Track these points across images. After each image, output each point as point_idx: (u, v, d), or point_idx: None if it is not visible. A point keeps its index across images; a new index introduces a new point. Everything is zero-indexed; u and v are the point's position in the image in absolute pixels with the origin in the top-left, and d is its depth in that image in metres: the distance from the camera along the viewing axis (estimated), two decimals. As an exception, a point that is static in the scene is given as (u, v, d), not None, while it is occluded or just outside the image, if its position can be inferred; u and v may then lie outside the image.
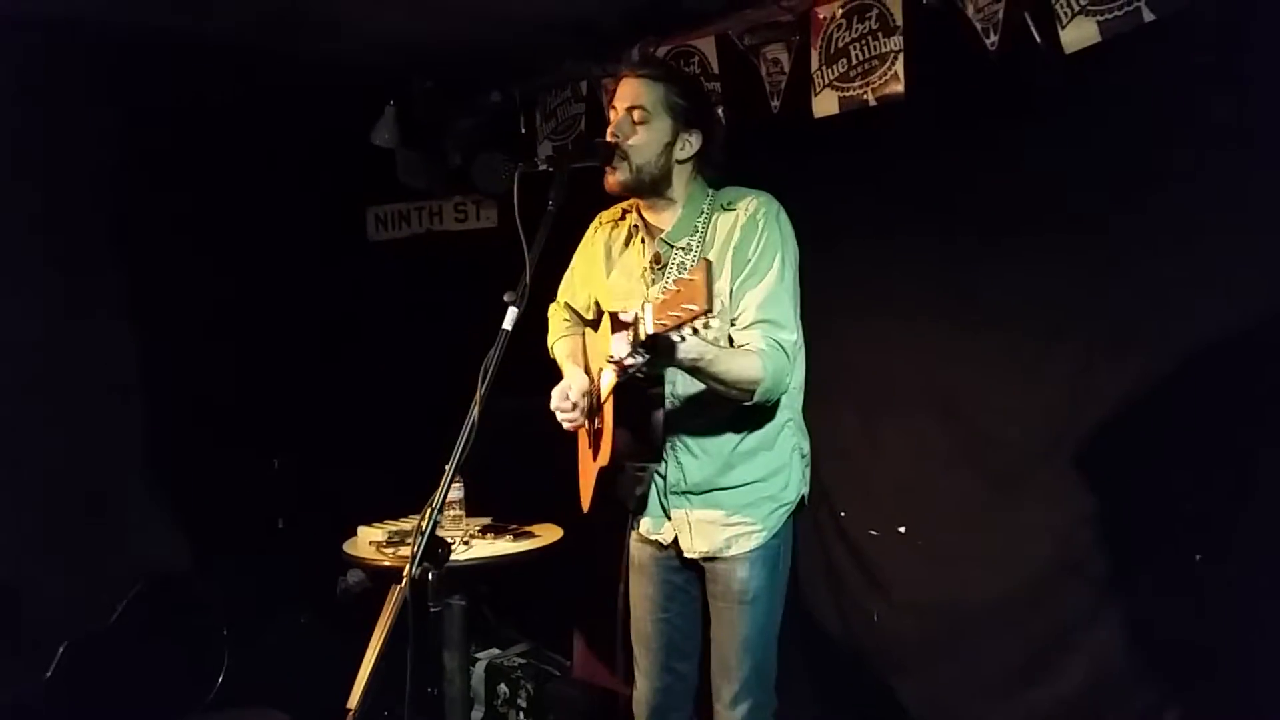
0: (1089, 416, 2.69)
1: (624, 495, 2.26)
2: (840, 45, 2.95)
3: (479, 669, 3.71)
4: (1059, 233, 2.72)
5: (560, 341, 2.52)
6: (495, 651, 3.81)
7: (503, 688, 3.66)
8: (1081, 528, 2.71)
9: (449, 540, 1.68)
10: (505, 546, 2.92)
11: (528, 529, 3.04)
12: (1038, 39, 2.54)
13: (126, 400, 3.67)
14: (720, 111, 3.26)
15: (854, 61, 2.92)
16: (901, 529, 3.12)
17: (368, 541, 2.98)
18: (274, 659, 3.52)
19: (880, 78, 2.86)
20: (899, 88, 2.82)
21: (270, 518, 3.93)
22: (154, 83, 3.59)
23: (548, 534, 3.01)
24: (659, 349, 1.78)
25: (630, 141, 2.15)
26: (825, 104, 2.99)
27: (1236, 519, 2.42)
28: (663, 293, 1.70)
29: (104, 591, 3.37)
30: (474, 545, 2.90)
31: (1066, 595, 2.73)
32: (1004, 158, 2.79)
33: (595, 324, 2.46)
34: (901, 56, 2.81)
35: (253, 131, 3.91)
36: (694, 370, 1.99)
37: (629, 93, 2.18)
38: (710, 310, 1.60)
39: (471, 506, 3.19)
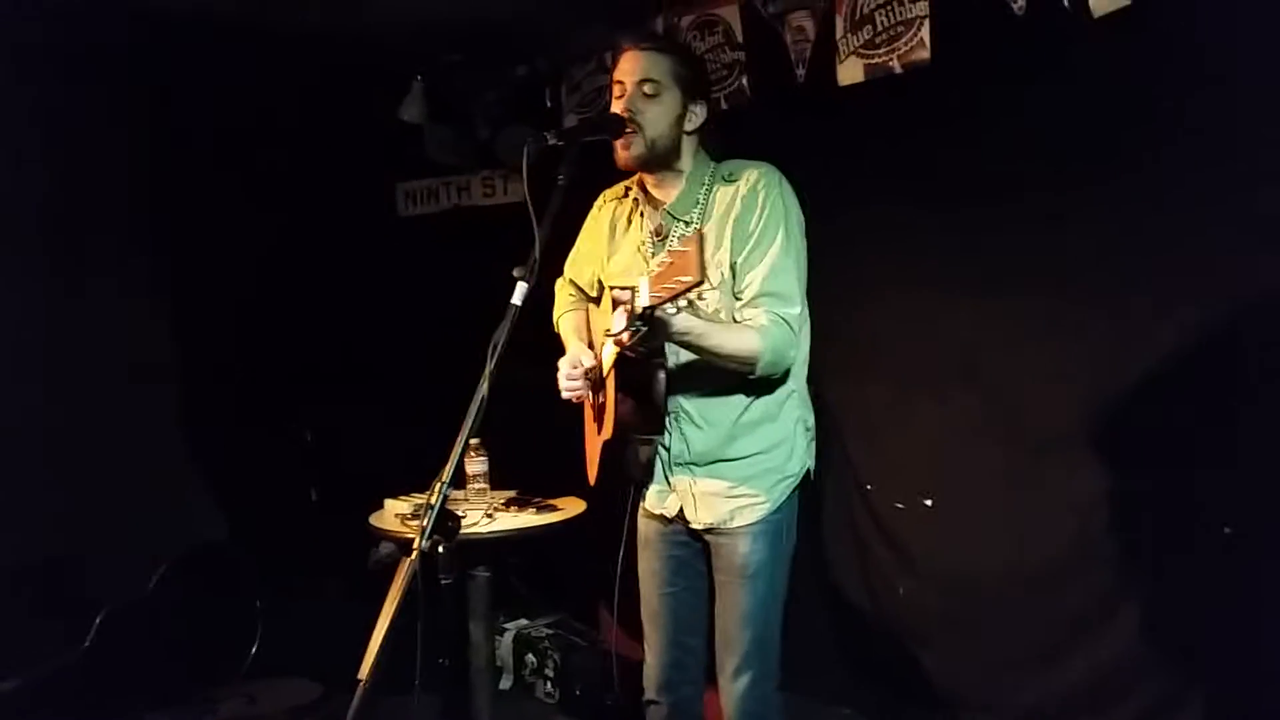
0: (1118, 388, 2.65)
1: (629, 468, 2.27)
2: (865, 11, 2.90)
3: (507, 639, 3.75)
4: (1091, 201, 2.67)
5: (565, 316, 2.52)
6: (524, 621, 3.85)
7: (530, 657, 3.70)
8: (1109, 501, 2.68)
9: (460, 514, 1.68)
10: (528, 519, 2.94)
11: (551, 502, 3.05)
12: (1065, 2, 2.48)
13: (160, 376, 3.73)
14: (744, 81, 3.25)
15: (879, 28, 2.87)
16: (928, 502, 3.09)
17: (393, 514, 3.01)
18: (307, 629, 3.58)
19: (906, 44, 2.81)
20: (925, 54, 2.78)
21: (303, 490, 4.00)
22: (183, 62, 3.62)
23: (571, 507, 3.02)
24: (655, 323, 1.79)
25: (644, 115, 2.14)
26: (850, 72, 2.95)
27: (1267, 491, 2.37)
28: (658, 266, 1.69)
29: (140, 563, 3.45)
30: (497, 518, 2.92)
31: (1093, 569, 2.71)
32: (1034, 123, 2.74)
33: (599, 300, 2.46)
34: (928, 22, 2.76)
35: (282, 110, 3.94)
36: (685, 345, 2.00)
37: (638, 66, 2.16)
38: (703, 281, 1.61)
39: (497, 479, 3.21)
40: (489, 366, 1.75)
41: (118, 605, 3.32)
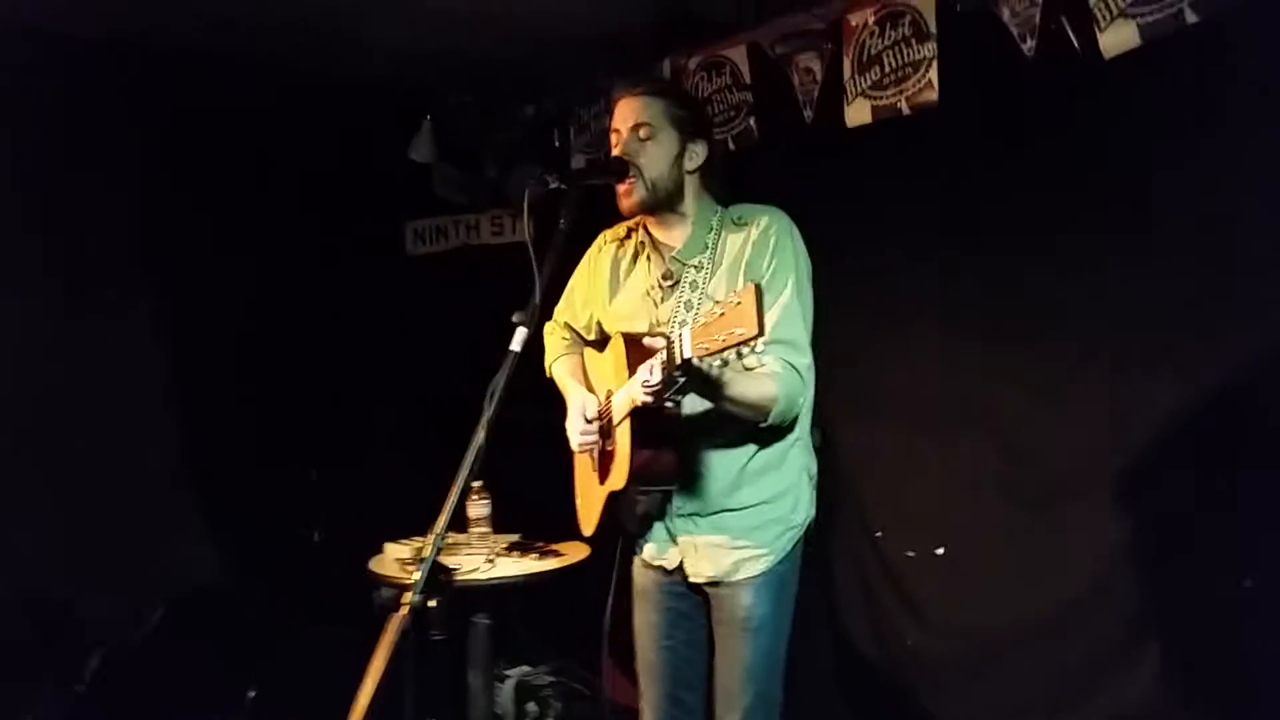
0: (1131, 435, 2.61)
1: (625, 519, 2.21)
2: (873, 53, 2.89)
3: (508, 686, 3.68)
4: (1099, 246, 2.64)
5: (560, 361, 2.46)
6: (526, 669, 3.78)
7: (532, 706, 3.62)
8: (1123, 551, 2.62)
9: (454, 565, 1.63)
10: (530, 565, 2.88)
11: (554, 548, 3.00)
12: (1075, 44, 2.46)
13: (165, 414, 3.70)
14: (752, 122, 3.23)
15: (887, 69, 2.85)
16: (939, 550, 3.03)
17: (393, 558, 2.96)
18: (307, 673, 3.51)
19: (914, 85, 2.79)
20: (933, 95, 2.76)
21: (306, 531, 3.95)
22: (195, 101, 3.63)
23: (574, 552, 2.96)
24: (694, 374, 1.74)
25: (641, 159, 2.11)
26: (858, 113, 2.93)
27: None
28: (704, 316, 1.64)
29: (140, 604, 3.40)
30: (498, 564, 2.87)
31: (1107, 620, 2.64)
32: (1042, 167, 2.72)
33: (597, 344, 2.41)
34: (935, 63, 2.75)
35: (293, 148, 3.93)
36: (714, 394, 1.94)
37: (630, 112, 2.14)
38: (761, 334, 1.55)
39: (500, 522, 3.16)
40: (487, 413, 1.71)
41: (114, 647, 3.26)
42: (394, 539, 3.10)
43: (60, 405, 3.31)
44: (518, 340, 1.76)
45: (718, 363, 1.67)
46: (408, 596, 1.56)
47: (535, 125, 3.97)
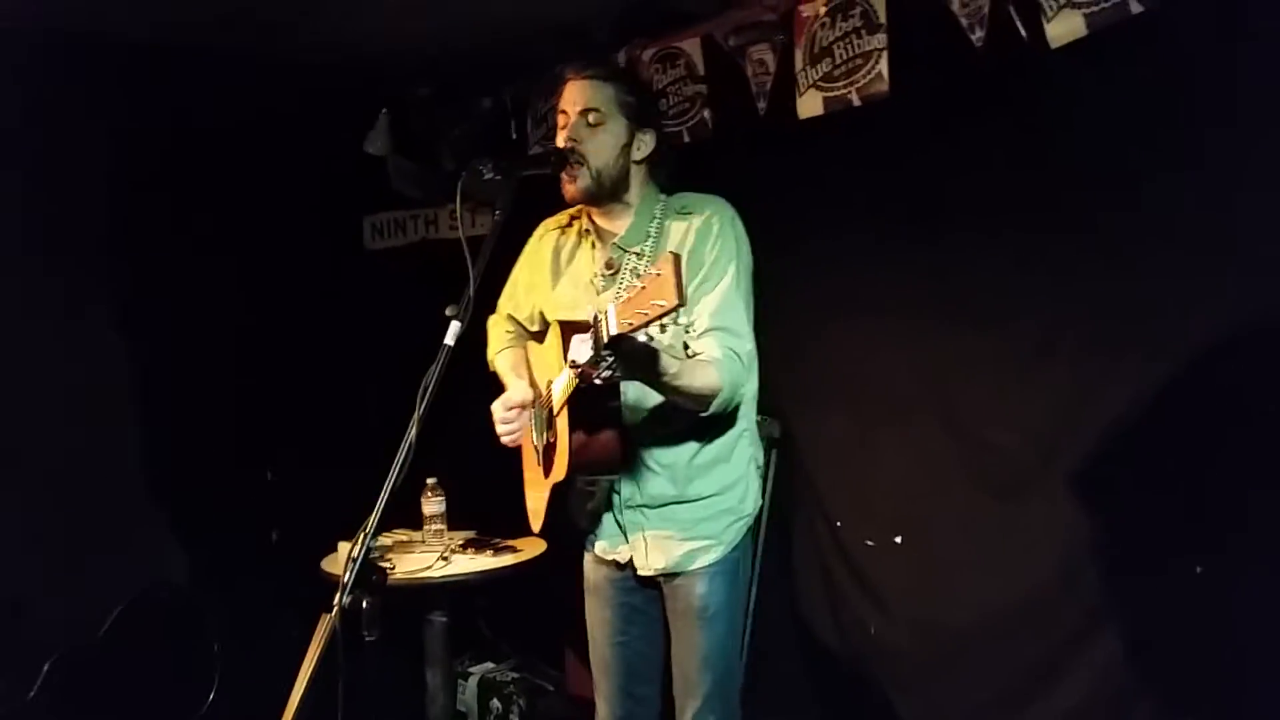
0: (1089, 422, 2.61)
1: (575, 513, 2.19)
2: (824, 44, 2.87)
3: (471, 683, 3.67)
4: (1052, 232, 2.63)
5: (502, 354, 2.44)
6: (489, 665, 3.76)
7: (495, 703, 3.61)
8: (1081, 538, 2.62)
9: (387, 567, 1.61)
10: (485, 562, 2.86)
11: (510, 543, 2.98)
12: (1023, 34, 2.45)
13: (121, 410, 3.65)
14: (706, 114, 3.21)
15: (838, 61, 2.84)
16: (898, 539, 3.03)
17: (347, 557, 2.93)
18: (266, 674, 3.47)
19: (864, 76, 2.78)
20: (883, 87, 2.74)
21: (264, 530, 3.91)
22: (149, 93, 3.57)
23: (531, 548, 2.94)
24: (623, 351, 1.70)
25: (588, 145, 2.08)
26: (810, 105, 2.92)
27: (1238, 530, 2.32)
28: (626, 291, 1.62)
29: (96, 605, 3.35)
30: (453, 560, 2.84)
31: (1066, 608, 2.65)
32: (993, 156, 2.71)
33: (540, 335, 2.38)
34: (885, 55, 2.73)
35: (249, 141, 3.87)
36: (656, 378, 1.89)
37: (580, 96, 2.11)
38: (682, 304, 1.53)
39: (456, 519, 3.13)
40: (419, 410, 1.69)
41: (67, 650, 3.21)
42: (348, 538, 3.06)
43: (14, 405, 3.25)
44: (451, 334, 1.74)
45: (643, 337, 1.63)
46: (337, 597, 1.54)
47: (492, 118, 3.92)
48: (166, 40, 3.39)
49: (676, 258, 1.52)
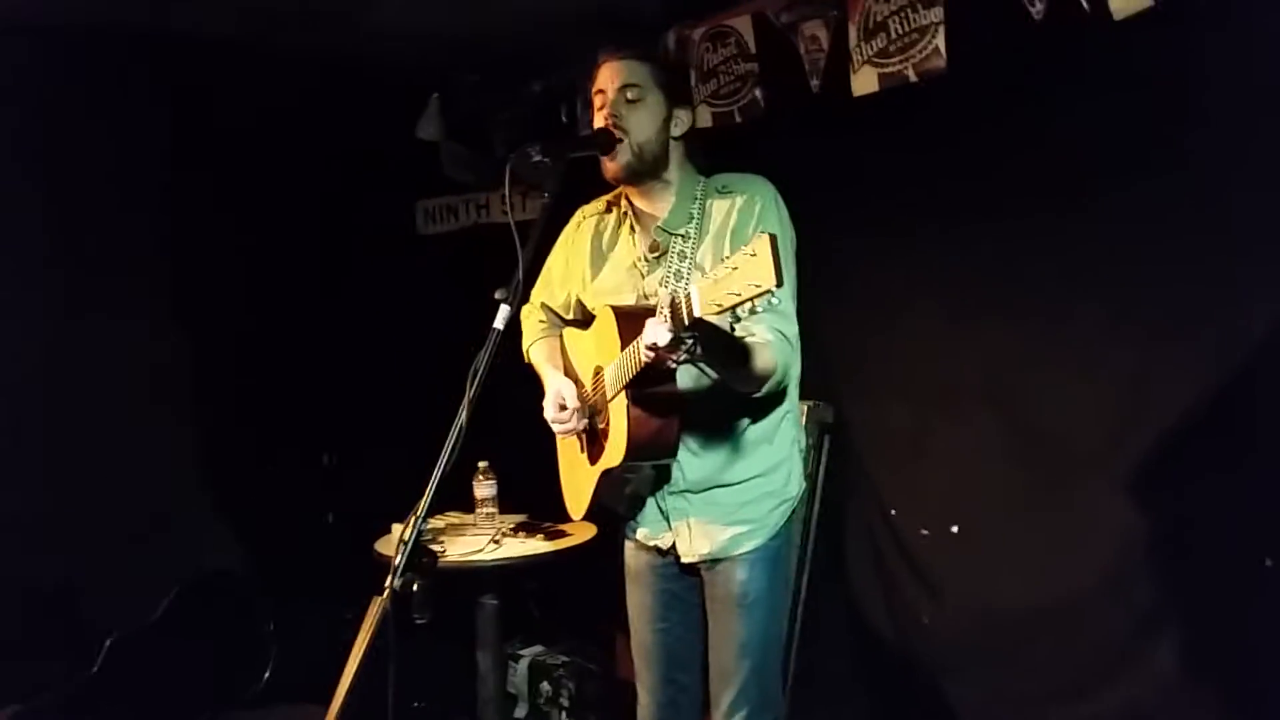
0: (1150, 411, 2.53)
1: (613, 500, 2.17)
2: (879, 19, 2.81)
3: (522, 666, 3.68)
4: (1118, 216, 2.55)
5: (536, 345, 2.41)
6: (540, 648, 3.77)
7: (545, 686, 3.62)
8: (1142, 530, 2.54)
9: (438, 549, 1.61)
10: (536, 546, 2.86)
11: (561, 528, 2.97)
12: (1085, 6, 2.37)
13: (177, 398, 3.72)
14: (758, 93, 3.16)
15: (893, 36, 2.78)
16: (954, 529, 2.98)
17: (399, 540, 2.95)
18: (321, 654, 3.52)
19: (920, 52, 2.72)
20: (940, 63, 2.68)
21: (320, 513, 3.96)
22: (205, 84, 3.63)
23: (582, 532, 2.93)
24: (704, 334, 1.65)
25: (629, 120, 2.06)
26: (864, 82, 2.86)
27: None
28: (714, 273, 1.56)
29: (154, 588, 3.42)
30: (504, 544, 2.85)
31: (1125, 601, 2.57)
32: (1056, 134, 2.63)
33: (579, 324, 2.35)
34: (943, 29, 2.67)
35: (302, 130, 3.93)
36: (722, 358, 1.86)
37: (616, 74, 2.09)
38: (780, 285, 1.47)
39: (509, 502, 3.14)
40: (470, 394, 1.68)
41: (127, 630, 3.28)
42: (402, 520, 3.08)
43: (72, 388, 3.32)
44: (500, 318, 1.73)
45: (728, 319, 1.59)
46: (388, 580, 1.54)
47: (542, 102, 3.91)
48: (218, 32, 3.42)
49: (773, 238, 1.46)
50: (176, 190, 3.70)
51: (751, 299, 1.50)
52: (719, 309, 1.54)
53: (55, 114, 3.34)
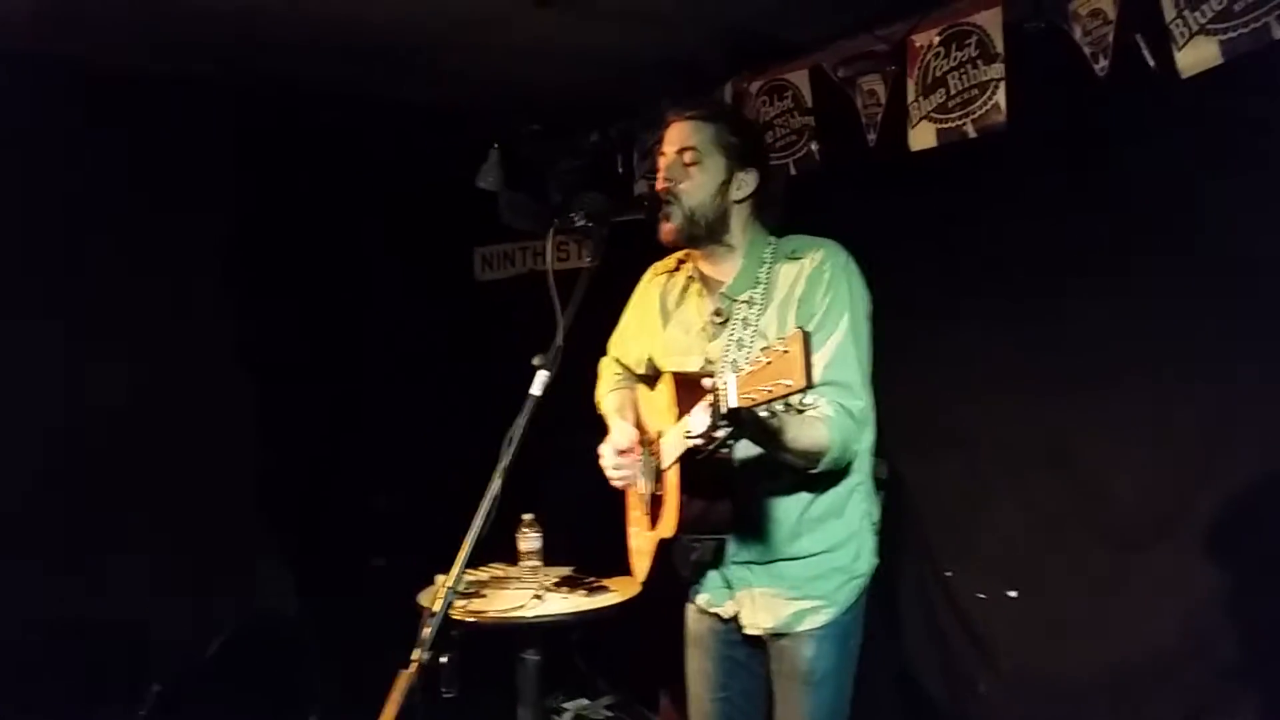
0: (1220, 475, 2.45)
1: (679, 564, 2.12)
2: (938, 74, 2.77)
3: (566, 720, 3.64)
4: (1185, 273, 2.48)
5: (610, 395, 2.39)
6: (584, 702, 3.72)
7: (589, 741, 3.57)
8: (1211, 595, 2.45)
9: (478, 605, 1.58)
10: (579, 602, 2.81)
11: (604, 583, 2.92)
12: (1151, 63, 2.31)
13: (234, 439, 3.76)
14: (814, 146, 3.14)
15: (952, 91, 2.73)
16: (1012, 593, 2.88)
17: (426, 610, 2.92)
18: (367, 699, 3.51)
19: (981, 107, 2.67)
20: (1001, 118, 2.63)
21: (369, 557, 3.97)
22: (268, 129, 3.72)
23: (625, 588, 2.88)
24: (743, 423, 1.64)
25: (682, 185, 2.03)
26: (922, 137, 2.82)
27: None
28: (750, 365, 1.55)
29: (203, 631, 3.45)
30: (546, 599, 2.81)
31: (1193, 670, 2.48)
32: (1119, 193, 2.57)
33: (648, 380, 2.32)
34: (1003, 85, 2.62)
35: (365, 174, 4.00)
36: (766, 442, 1.83)
37: (677, 136, 2.07)
38: (810, 386, 1.46)
39: (552, 555, 3.11)
40: (504, 461, 1.66)
41: (174, 675, 3.30)
42: (446, 570, 3.07)
43: (130, 432, 3.38)
44: (538, 384, 1.71)
45: (765, 412, 1.57)
46: (416, 653, 1.51)
47: (598, 152, 3.94)
48: (288, 74, 3.50)
49: (806, 336, 1.45)
50: (239, 232, 3.78)
51: (783, 396, 1.49)
52: (753, 402, 1.53)
53: (133, 158, 3.44)
